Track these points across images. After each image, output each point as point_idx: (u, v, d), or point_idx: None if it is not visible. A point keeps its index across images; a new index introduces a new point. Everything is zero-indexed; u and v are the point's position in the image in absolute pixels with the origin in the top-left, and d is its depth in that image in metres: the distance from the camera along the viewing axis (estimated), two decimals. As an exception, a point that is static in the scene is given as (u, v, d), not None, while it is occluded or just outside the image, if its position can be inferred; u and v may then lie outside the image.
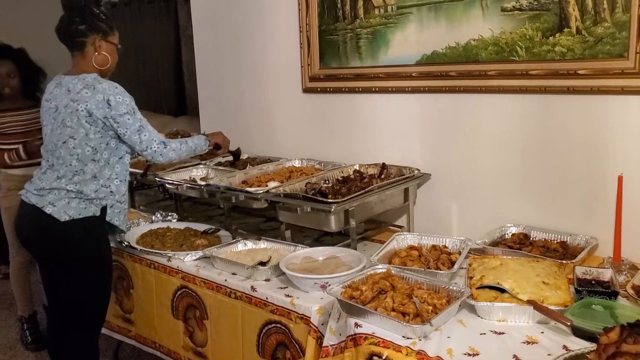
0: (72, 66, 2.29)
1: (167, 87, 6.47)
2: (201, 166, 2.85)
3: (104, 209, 2.24)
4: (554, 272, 1.72)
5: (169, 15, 6.40)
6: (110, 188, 2.24)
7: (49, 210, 2.16)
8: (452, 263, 1.91)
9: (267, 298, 1.91)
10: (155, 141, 2.23)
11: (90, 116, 2.14)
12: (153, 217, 2.76)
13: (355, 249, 2.15)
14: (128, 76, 6.81)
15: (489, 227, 2.17)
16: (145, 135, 2.22)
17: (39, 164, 2.35)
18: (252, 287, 1.95)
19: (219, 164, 2.87)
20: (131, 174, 2.49)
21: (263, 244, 2.27)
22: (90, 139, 2.17)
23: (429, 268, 1.88)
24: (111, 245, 2.43)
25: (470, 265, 1.85)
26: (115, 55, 2.32)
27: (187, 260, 2.25)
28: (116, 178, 2.26)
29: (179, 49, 6.38)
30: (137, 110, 2.23)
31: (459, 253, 1.99)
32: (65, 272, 2.25)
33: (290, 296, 1.86)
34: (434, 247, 2.06)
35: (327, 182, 2.21)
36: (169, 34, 6.41)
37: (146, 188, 3.28)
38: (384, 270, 1.79)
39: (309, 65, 2.75)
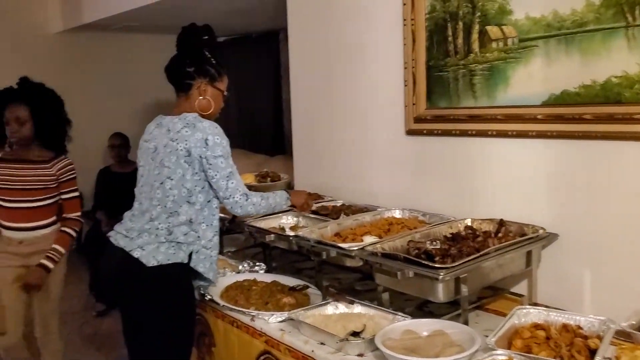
0: (175, 107, 2.27)
1: (264, 126, 6.43)
2: (291, 213, 2.63)
3: (190, 256, 2.14)
4: None
5: (270, 53, 6.41)
6: (198, 232, 2.16)
7: (137, 254, 2.09)
8: (591, 351, 1.54)
9: (359, 379, 1.62)
10: (239, 191, 2.15)
11: (189, 155, 2.09)
12: (240, 267, 2.57)
13: (467, 322, 1.81)
14: (227, 114, 6.87)
15: (634, 303, 1.76)
16: (232, 183, 2.14)
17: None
18: (342, 362, 1.67)
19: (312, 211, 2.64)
20: (220, 219, 2.34)
21: (357, 308, 1.99)
22: (187, 179, 2.11)
23: (561, 357, 1.52)
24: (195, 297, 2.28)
25: (617, 358, 1.47)
26: (220, 101, 2.28)
27: (272, 322, 2.01)
28: (203, 222, 2.18)
29: (279, 87, 6.34)
30: (230, 155, 2.16)
31: (599, 337, 1.60)
32: (146, 320, 2.15)
33: (388, 380, 1.55)
34: (564, 327, 1.68)
35: (434, 242, 1.89)
36: (269, 72, 6.41)
37: (237, 232, 3.13)
38: (504, 358, 1.45)
39: (414, 104, 2.47)
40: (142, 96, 6.80)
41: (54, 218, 2.96)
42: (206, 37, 2.23)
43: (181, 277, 2.15)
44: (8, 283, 2.84)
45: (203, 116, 2.21)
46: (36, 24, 6.17)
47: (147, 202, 2.18)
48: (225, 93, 2.29)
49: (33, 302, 2.93)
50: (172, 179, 2.12)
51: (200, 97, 2.22)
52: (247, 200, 2.16)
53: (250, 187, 2.34)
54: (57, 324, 3.02)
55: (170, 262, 2.10)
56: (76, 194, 2.98)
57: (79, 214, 3.00)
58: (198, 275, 2.20)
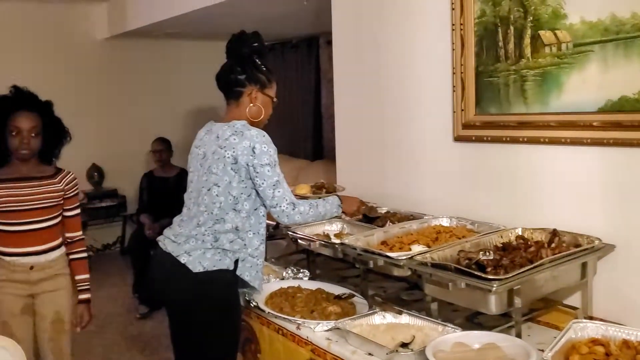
0: (225, 114, 2.28)
1: (305, 131, 6.44)
2: (336, 219, 2.60)
3: (236, 263, 2.15)
4: None
5: (310, 59, 6.42)
6: (244, 240, 2.17)
7: (183, 259, 2.11)
8: (654, 369, 1.46)
9: (410, 392, 1.58)
10: (286, 200, 2.13)
11: (236, 163, 2.09)
12: (284, 273, 2.57)
13: (520, 335, 1.76)
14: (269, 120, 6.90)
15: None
16: (279, 191, 2.12)
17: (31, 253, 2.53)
18: (392, 374, 1.64)
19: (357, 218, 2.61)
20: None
21: (405, 319, 1.95)
22: (233, 187, 2.12)
23: (623, 375, 1.45)
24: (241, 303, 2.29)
25: (683, 377, 1.40)
26: (269, 107, 2.28)
27: (318, 331, 1.99)
28: (250, 230, 2.18)
29: (318, 93, 6.35)
30: (277, 164, 2.15)
31: (662, 354, 1.53)
32: (192, 324, 2.17)
33: (439, 394, 1.51)
34: (625, 343, 1.61)
35: (486, 253, 1.84)
36: (309, 78, 6.42)
37: (279, 239, 3.13)
38: (563, 375, 1.39)
39: (462, 110, 2.42)
40: (184, 101, 6.91)
41: (61, 239, 2.68)
42: (256, 44, 2.23)
43: (226, 283, 2.15)
44: (17, 315, 2.55)
45: (253, 123, 2.20)
46: (83, 31, 6.33)
47: (195, 208, 2.19)
48: (275, 99, 2.29)
49: (45, 335, 2.62)
50: (219, 186, 2.12)
51: (251, 105, 2.22)
52: (294, 209, 2.14)
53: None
54: (70, 350, 2.71)
55: (215, 268, 2.11)
56: (79, 210, 2.74)
57: (81, 233, 2.74)
58: (244, 282, 2.20)
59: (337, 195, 2.40)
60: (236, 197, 2.13)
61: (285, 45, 6.79)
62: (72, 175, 2.66)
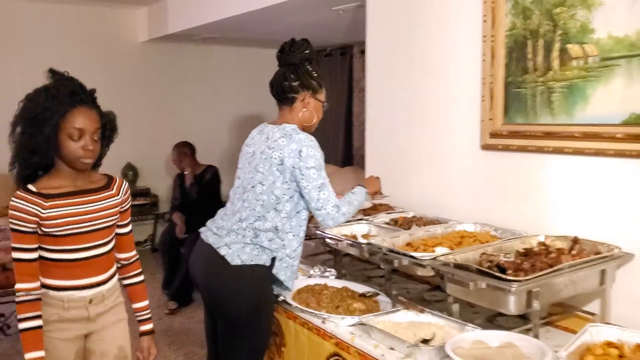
0: (278, 117, 2.37)
1: (335, 137, 6.54)
2: (364, 222, 2.69)
3: (273, 260, 2.24)
4: None
5: (343, 67, 6.53)
6: (284, 241, 2.25)
7: (223, 251, 2.21)
8: (666, 373, 1.52)
9: (428, 385, 1.65)
10: (331, 203, 2.21)
11: (282, 164, 2.18)
12: (311, 272, 2.66)
13: (537, 336, 1.82)
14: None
15: None
16: (324, 194, 2.20)
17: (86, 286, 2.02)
18: (412, 368, 1.71)
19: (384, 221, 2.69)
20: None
21: (426, 317, 2.02)
22: (277, 187, 2.20)
23: (634, 376, 1.51)
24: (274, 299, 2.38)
25: (694, 380, 1.45)
26: (320, 112, 2.38)
27: (343, 325, 2.07)
28: (290, 232, 2.26)
29: (350, 100, 6.45)
30: (323, 167, 2.22)
31: (675, 359, 1.58)
32: (225, 316, 2.26)
33: (457, 387, 1.58)
34: (639, 346, 1.66)
35: (507, 255, 1.91)
36: (342, 86, 6.53)
37: (307, 239, 3.22)
38: (576, 373, 1.46)
39: (490, 119, 2.49)
40: (218, 105, 7.08)
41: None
42: (307, 51, 2.31)
43: (262, 278, 2.23)
44: None
45: (304, 128, 2.30)
46: (124, 33, 6.55)
47: (239, 203, 2.28)
48: (325, 104, 2.38)
49: None
50: (263, 185, 2.21)
51: (304, 109, 2.32)
52: (338, 211, 2.21)
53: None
54: None
55: (253, 262, 2.20)
56: (131, 226, 2.25)
57: (136, 252, 2.27)
58: (276, 281, 2.28)
59: (360, 184, 2.49)
60: (278, 197, 2.21)
61: (319, 54, 6.92)
62: (126, 184, 2.20)
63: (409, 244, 2.28)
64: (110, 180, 2.14)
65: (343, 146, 6.51)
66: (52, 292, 2.00)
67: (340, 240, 2.47)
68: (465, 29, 2.62)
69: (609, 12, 2.06)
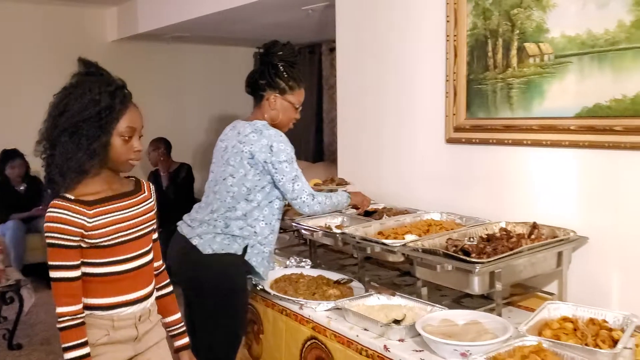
0: (251, 114, 2.49)
1: (306, 134, 6.65)
2: (337, 214, 2.81)
3: (245, 249, 2.33)
4: None
5: (312, 65, 6.64)
6: (255, 229, 2.35)
7: (195, 241, 2.32)
8: (614, 341, 1.66)
9: (400, 361, 1.78)
10: (306, 192, 2.35)
11: (252, 158, 2.29)
12: (287, 262, 2.76)
13: (500, 315, 1.96)
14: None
15: (657, 302, 1.89)
16: (298, 185, 2.33)
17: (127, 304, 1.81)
18: (384, 346, 1.84)
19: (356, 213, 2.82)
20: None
21: (397, 300, 2.15)
22: (248, 179, 2.31)
23: (586, 345, 1.66)
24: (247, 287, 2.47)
25: (637, 346, 1.62)
26: (289, 113, 2.48)
27: (319, 310, 2.19)
28: (262, 220, 2.37)
29: (320, 98, 6.56)
30: (295, 160, 2.36)
31: (622, 330, 1.74)
32: (200, 304, 2.36)
33: (427, 361, 1.72)
34: (591, 320, 1.82)
35: (471, 239, 2.06)
36: (311, 83, 6.63)
37: (282, 232, 3.32)
38: (534, 343, 1.60)
39: (454, 115, 2.64)
40: (189, 103, 7.11)
41: None
42: (281, 53, 2.42)
43: (234, 266, 2.33)
44: None
45: (274, 125, 2.41)
46: (93, 33, 6.54)
47: (211, 195, 2.40)
48: (297, 106, 2.48)
49: None
50: (234, 177, 2.33)
51: (270, 108, 2.43)
52: (313, 199, 2.36)
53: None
54: None
55: (224, 252, 2.31)
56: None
57: (163, 261, 2.06)
58: (251, 270, 2.39)
59: (345, 191, 2.64)
60: (249, 189, 2.33)
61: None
62: (152, 185, 2.02)
63: (380, 233, 2.41)
64: (138, 182, 1.95)
65: (314, 142, 6.62)
66: (98, 312, 1.76)
67: (315, 231, 2.58)
68: (430, 29, 2.75)
69: (561, 13, 2.21)
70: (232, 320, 2.38)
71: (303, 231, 2.67)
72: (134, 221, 1.82)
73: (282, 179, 2.31)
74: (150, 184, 1.99)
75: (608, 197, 2.12)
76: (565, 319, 1.83)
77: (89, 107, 1.68)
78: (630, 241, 2.06)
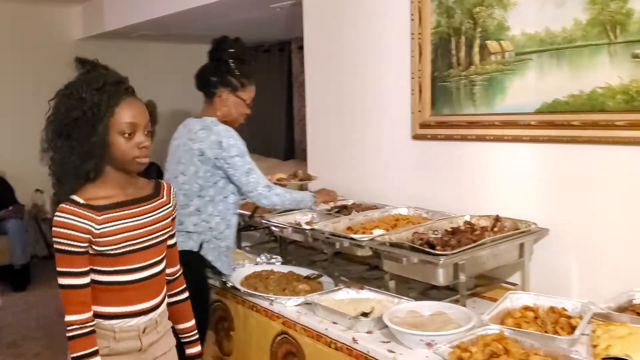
0: (201, 110, 2.49)
1: (277, 132, 6.66)
2: (307, 210, 2.84)
3: (201, 245, 2.35)
4: (696, 348, 1.51)
5: (282, 63, 6.65)
6: (210, 224, 2.37)
7: None
8: (573, 328, 1.74)
9: (368, 352, 1.82)
10: (261, 184, 2.36)
11: (203, 155, 2.31)
12: (258, 259, 2.78)
13: (465, 305, 2.02)
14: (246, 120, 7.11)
15: (613, 290, 1.96)
16: (253, 177, 2.35)
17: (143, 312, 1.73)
18: (353, 338, 1.88)
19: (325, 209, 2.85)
20: (239, 215, 2.57)
21: (366, 294, 2.19)
22: (200, 176, 2.33)
23: (546, 332, 1.73)
24: (216, 285, 2.49)
25: (594, 332, 1.68)
26: (241, 109, 2.48)
27: (289, 305, 2.22)
28: (217, 215, 2.39)
29: (290, 95, 6.58)
30: (247, 153, 2.36)
31: (580, 317, 1.81)
32: None
33: (393, 352, 1.76)
34: (551, 309, 1.88)
35: (435, 232, 2.11)
36: (282, 81, 6.66)
37: (253, 229, 3.34)
38: (496, 332, 1.65)
39: (419, 111, 2.69)
40: (156, 101, 7.03)
41: None
42: (232, 50, 2.43)
43: (192, 263, 2.29)
44: None
45: (225, 122, 2.41)
46: (58, 31, 6.46)
47: None
48: (248, 102, 2.49)
49: None
50: (185, 175, 2.35)
51: (222, 105, 2.44)
52: (270, 191, 2.37)
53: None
54: None
55: (180, 249, 2.27)
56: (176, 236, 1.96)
57: (180, 266, 1.97)
58: (208, 265, 2.39)
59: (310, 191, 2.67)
60: (202, 185, 2.34)
61: (258, 50, 7.01)
62: (174, 187, 1.91)
63: (349, 228, 2.44)
64: (157, 185, 1.83)
65: (285, 140, 6.64)
66: (102, 321, 1.68)
67: (285, 228, 2.61)
68: (395, 27, 2.79)
69: (522, 11, 2.28)
70: (196, 319, 2.36)
71: (273, 228, 2.69)
72: (146, 229, 1.72)
73: (235, 173, 2.33)
74: (172, 187, 1.87)
75: (567, 189, 2.19)
76: (526, 308, 1.90)
77: (75, 108, 1.61)
78: (588, 232, 2.14)
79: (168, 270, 1.88)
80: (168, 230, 1.81)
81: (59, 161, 1.63)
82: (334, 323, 2.00)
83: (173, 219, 1.85)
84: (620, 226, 2.05)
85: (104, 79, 1.64)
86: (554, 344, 1.62)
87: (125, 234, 1.66)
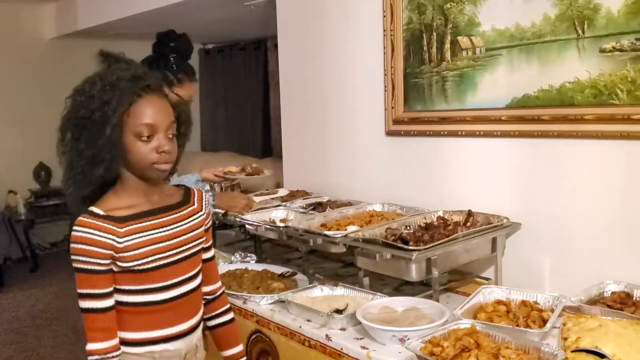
0: None
1: (253, 130, 6.64)
2: (281, 208, 2.83)
3: None
4: (663, 338, 1.53)
5: (258, 61, 6.62)
6: None
7: None
8: (544, 321, 1.75)
9: (342, 349, 1.82)
10: None
11: None
12: (232, 258, 2.76)
13: (438, 300, 2.02)
14: (216, 119, 7.06)
15: (585, 283, 1.98)
16: None
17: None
18: (327, 335, 1.87)
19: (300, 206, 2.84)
20: (213, 213, 2.54)
21: (340, 291, 2.19)
22: None
23: (517, 325, 1.74)
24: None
25: (564, 324, 1.70)
26: None
27: (263, 304, 2.20)
28: None
29: (267, 93, 6.56)
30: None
31: (552, 310, 1.83)
32: None
33: (367, 348, 1.76)
34: (523, 302, 1.90)
35: (408, 228, 2.11)
36: (258, 79, 6.63)
37: (228, 228, 3.32)
38: (468, 326, 1.66)
39: (392, 108, 2.69)
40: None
41: None
42: (173, 44, 2.40)
43: None
44: None
45: None
46: (30, 30, 6.35)
47: None
48: (187, 99, 2.42)
49: None
50: None
51: None
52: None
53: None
54: None
55: None
56: (214, 249, 1.77)
57: (221, 283, 1.79)
58: None
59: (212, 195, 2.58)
60: None
61: (233, 48, 6.97)
62: (205, 194, 1.72)
63: (323, 225, 2.44)
64: (187, 191, 1.66)
65: (261, 138, 6.61)
66: (133, 349, 1.50)
67: (259, 226, 2.59)
68: (367, 24, 2.79)
69: (492, 7, 2.29)
70: None
71: (247, 226, 2.67)
72: (177, 240, 1.53)
73: None
74: (203, 194, 1.69)
75: (539, 184, 2.21)
76: (498, 302, 1.91)
77: (83, 106, 1.43)
78: (560, 226, 2.16)
79: (207, 288, 1.70)
80: (201, 240, 1.62)
81: (67, 164, 1.47)
82: (308, 321, 2.00)
83: (207, 230, 1.67)
84: (591, 219, 2.07)
85: (118, 75, 1.45)
86: (525, 337, 1.62)
87: (153, 247, 1.48)
